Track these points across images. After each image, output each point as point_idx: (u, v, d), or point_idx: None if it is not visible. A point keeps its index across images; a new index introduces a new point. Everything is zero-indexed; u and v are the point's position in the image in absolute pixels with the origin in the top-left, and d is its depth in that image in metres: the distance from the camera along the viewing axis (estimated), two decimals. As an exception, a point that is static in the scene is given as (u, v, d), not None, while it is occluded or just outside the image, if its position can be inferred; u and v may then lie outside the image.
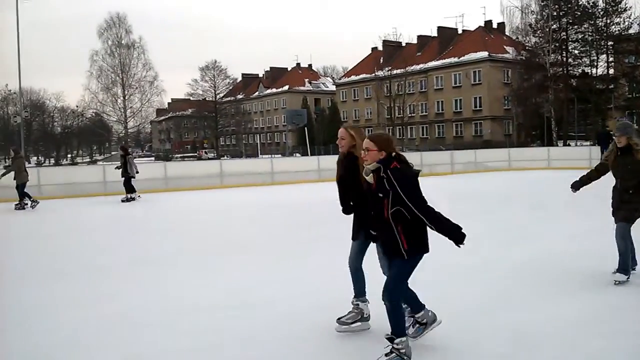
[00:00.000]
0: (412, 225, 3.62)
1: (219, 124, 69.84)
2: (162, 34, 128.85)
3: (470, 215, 11.41)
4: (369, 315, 4.47)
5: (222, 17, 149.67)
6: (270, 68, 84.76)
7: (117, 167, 15.93)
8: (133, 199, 15.73)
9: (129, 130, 59.15)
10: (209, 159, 55.04)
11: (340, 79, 75.07)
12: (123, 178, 15.68)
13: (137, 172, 15.86)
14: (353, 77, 69.03)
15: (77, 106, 68.05)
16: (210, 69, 68.16)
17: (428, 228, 3.64)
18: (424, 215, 3.56)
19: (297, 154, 47.01)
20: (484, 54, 54.55)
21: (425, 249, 3.71)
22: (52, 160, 75.94)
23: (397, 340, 3.65)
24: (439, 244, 3.91)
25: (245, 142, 78.30)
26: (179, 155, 72.51)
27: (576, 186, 5.90)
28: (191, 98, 72.09)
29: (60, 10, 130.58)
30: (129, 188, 15.73)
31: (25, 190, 14.55)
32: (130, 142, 67.18)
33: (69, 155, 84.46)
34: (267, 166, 21.88)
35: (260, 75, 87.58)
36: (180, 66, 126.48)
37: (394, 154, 3.71)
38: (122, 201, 15.55)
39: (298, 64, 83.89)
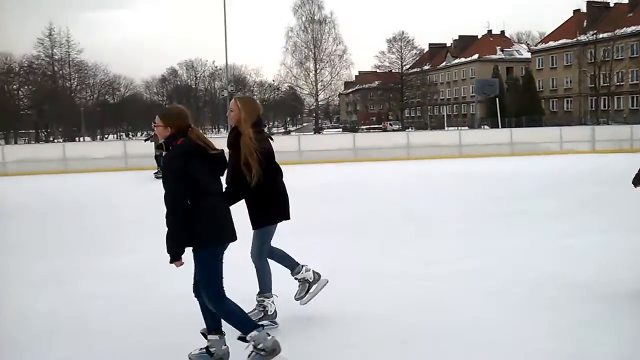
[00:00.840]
0: (195, 213, 3.19)
1: (405, 95, 69.70)
2: (351, 7, 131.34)
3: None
4: (275, 312, 4.11)
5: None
6: (459, 37, 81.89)
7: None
8: None
9: (319, 103, 61.89)
10: (393, 130, 55.39)
11: (536, 46, 69.84)
12: None
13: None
14: (551, 43, 63.70)
15: (273, 80, 73.09)
16: (397, 40, 68.05)
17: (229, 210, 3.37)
18: (167, 210, 3.14)
19: (486, 126, 45.09)
20: None
21: (219, 236, 3.28)
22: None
23: (248, 337, 3.25)
24: None
25: (430, 113, 77.20)
26: (365, 127, 74.05)
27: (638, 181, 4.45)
28: (377, 70, 72.79)
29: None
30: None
31: None
32: (320, 113, 70.15)
33: (266, 127, 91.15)
34: (454, 138, 21.37)
35: (448, 45, 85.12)
36: (368, 39, 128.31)
37: (190, 130, 3.26)
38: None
39: (489, 31, 79.75)
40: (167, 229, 3.16)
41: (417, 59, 72.79)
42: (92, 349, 3.87)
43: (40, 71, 59.51)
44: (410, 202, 10.39)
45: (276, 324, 4.11)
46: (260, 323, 3.64)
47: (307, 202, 10.72)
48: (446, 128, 47.47)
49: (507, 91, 59.40)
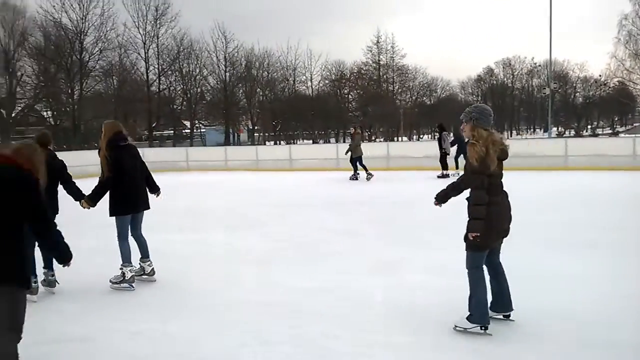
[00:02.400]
0: None
1: None
2: None
3: None
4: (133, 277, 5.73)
5: None
6: None
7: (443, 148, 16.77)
8: (447, 175, 16.11)
9: (658, 100, 53.53)
10: None
11: None
12: (439, 154, 16.53)
13: (449, 150, 16.59)
14: None
15: (600, 75, 65.95)
16: None
17: None
18: None
19: None
20: None
21: None
22: (572, 132, 76.39)
23: None
24: None
25: None
26: None
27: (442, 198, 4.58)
28: None
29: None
30: (444, 164, 16.41)
31: (364, 163, 16.64)
32: None
33: (589, 127, 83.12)
34: None
35: None
36: None
37: None
38: (438, 177, 16.30)
39: None
40: None
41: None
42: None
43: (368, 76, 65.61)
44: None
45: (132, 287, 5.70)
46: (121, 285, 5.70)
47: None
48: None
49: None
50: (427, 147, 23.55)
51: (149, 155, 24.07)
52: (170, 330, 4.52)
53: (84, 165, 20.66)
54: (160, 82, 48.93)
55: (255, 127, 59.61)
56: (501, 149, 4.10)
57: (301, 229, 8.97)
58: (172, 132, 55.11)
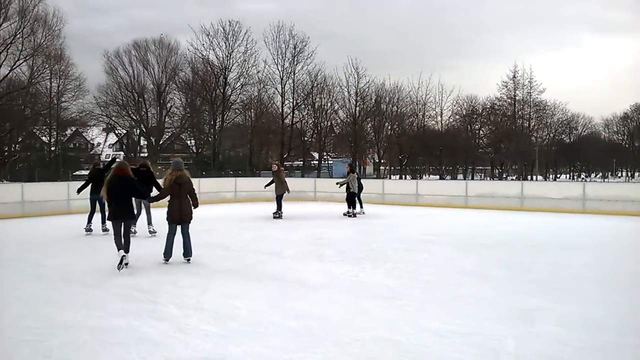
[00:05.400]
0: None
1: None
2: None
3: None
4: None
5: None
6: None
7: (340, 185, 17.43)
8: (353, 214, 16.66)
9: None
10: None
11: None
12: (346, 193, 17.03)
13: (358, 189, 16.94)
14: None
15: None
16: None
17: None
18: None
19: None
20: None
21: None
22: None
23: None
24: None
25: None
26: None
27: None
28: None
29: None
30: (350, 203, 16.83)
31: None
32: None
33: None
34: None
35: None
36: None
37: None
38: (344, 215, 16.84)
39: None
40: None
41: None
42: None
43: (501, 112, 63.12)
44: None
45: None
46: None
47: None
48: None
49: None
50: (566, 187, 22.15)
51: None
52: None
53: (221, 191, 22.03)
54: (294, 115, 50.96)
55: (382, 161, 59.77)
56: (174, 178, 8.76)
57: (429, 267, 8.75)
58: (301, 162, 56.94)
